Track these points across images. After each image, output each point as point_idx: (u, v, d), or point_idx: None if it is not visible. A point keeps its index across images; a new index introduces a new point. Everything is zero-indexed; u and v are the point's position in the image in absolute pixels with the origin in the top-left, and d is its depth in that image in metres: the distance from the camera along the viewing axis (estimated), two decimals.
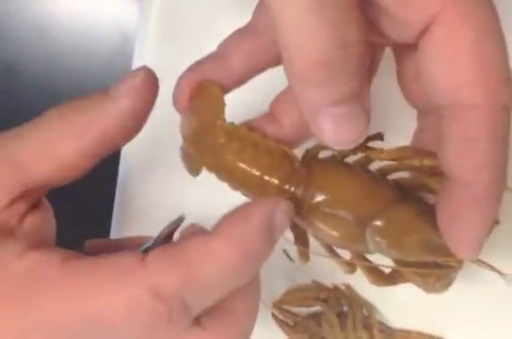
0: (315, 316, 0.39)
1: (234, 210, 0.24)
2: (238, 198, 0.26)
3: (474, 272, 0.38)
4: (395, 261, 0.27)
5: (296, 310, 0.40)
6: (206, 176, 0.27)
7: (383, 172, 0.26)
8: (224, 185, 0.27)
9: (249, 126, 0.26)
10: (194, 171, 0.27)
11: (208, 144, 0.26)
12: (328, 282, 0.39)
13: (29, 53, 0.48)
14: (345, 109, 0.23)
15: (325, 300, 0.39)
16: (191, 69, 0.27)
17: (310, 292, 0.39)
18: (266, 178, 0.25)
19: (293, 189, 0.25)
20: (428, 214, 0.25)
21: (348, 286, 0.39)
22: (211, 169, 0.26)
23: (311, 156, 0.27)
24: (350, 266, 0.27)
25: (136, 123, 0.25)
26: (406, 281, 0.28)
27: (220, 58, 0.26)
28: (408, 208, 0.25)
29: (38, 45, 0.48)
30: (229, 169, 0.26)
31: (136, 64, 0.42)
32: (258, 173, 0.25)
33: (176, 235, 0.25)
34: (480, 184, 0.23)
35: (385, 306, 0.39)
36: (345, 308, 0.39)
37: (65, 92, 0.47)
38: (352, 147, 0.24)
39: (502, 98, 0.22)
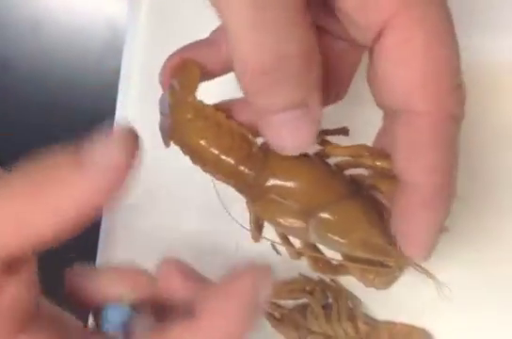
0: (302, 309, 0.39)
1: (216, 289, 0.22)
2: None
3: (459, 264, 0.39)
4: (342, 254, 0.28)
5: (282, 302, 0.40)
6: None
7: (340, 167, 0.27)
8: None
9: (217, 107, 0.27)
10: (166, 143, 0.28)
11: (177, 119, 0.27)
12: (314, 275, 0.39)
13: (23, 49, 0.48)
14: (291, 116, 0.23)
15: (311, 293, 0.39)
16: (181, 50, 0.27)
17: (296, 285, 0.39)
18: (223, 157, 0.26)
19: (246, 171, 0.26)
20: (376, 213, 0.26)
21: (334, 279, 0.39)
22: (176, 142, 0.27)
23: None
24: (298, 254, 0.28)
25: (115, 191, 0.21)
26: (347, 273, 0.28)
27: (211, 44, 0.27)
28: (355, 205, 0.26)
29: (31, 41, 0.48)
30: (191, 145, 0.27)
31: (127, 59, 0.42)
32: (216, 152, 0.26)
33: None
34: (428, 187, 0.23)
35: (370, 298, 0.39)
36: (331, 300, 0.39)
37: (59, 87, 0.48)
38: (298, 153, 0.25)
39: (448, 106, 0.22)
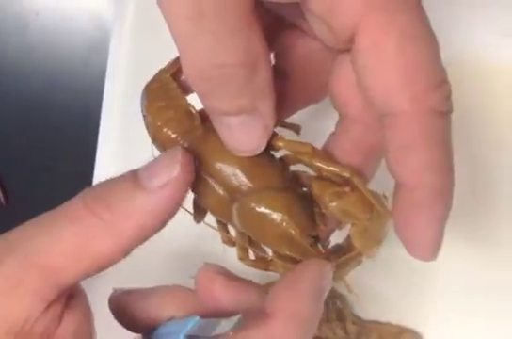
0: None
1: (283, 279, 0.24)
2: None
3: (449, 266, 0.39)
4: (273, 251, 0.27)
5: None
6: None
7: (285, 161, 0.27)
8: None
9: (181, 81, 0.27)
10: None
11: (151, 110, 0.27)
12: None
13: (9, 47, 0.48)
14: (238, 121, 0.23)
15: None
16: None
17: None
18: (164, 130, 0.26)
19: (185, 145, 0.26)
20: (305, 212, 0.25)
21: None
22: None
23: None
24: (230, 242, 0.28)
25: (173, 210, 0.23)
26: (272, 269, 0.28)
27: None
28: (281, 198, 0.25)
29: (17, 40, 0.48)
30: (148, 117, 0.27)
31: (113, 57, 0.42)
32: (159, 124, 0.27)
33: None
34: (422, 188, 0.23)
35: (359, 299, 0.39)
36: None
37: (44, 85, 0.48)
38: (248, 155, 0.25)
39: (431, 103, 0.22)
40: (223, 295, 0.24)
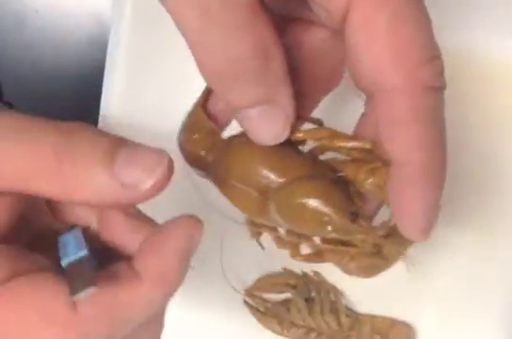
0: (285, 302, 0.40)
1: (152, 239, 0.23)
2: None
3: (442, 258, 0.40)
4: (321, 239, 0.27)
5: (266, 296, 0.41)
6: None
7: (314, 152, 0.27)
8: None
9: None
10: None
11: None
12: (297, 270, 0.40)
13: (7, 42, 0.48)
14: (259, 112, 0.24)
15: (294, 287, 0.40)
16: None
17: (280, 279, 0.40)
18: (195, 150, 0.28)
19: (210, 159, 0.27)
20: (341, 194, 0.25)
21: (317, 273, 0.40)
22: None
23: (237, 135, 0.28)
24: (283, 244, 0.28)
25: (121, 207, 0.24)
26: (325, 259, 0.28)
27: None
28: (313, 184, 0.25)
29: (15, 35, 0.48)
30: (186, 147, 0.29)
31: (112, 54, 0.42)
32: (192, 147, 0.28)
33: None
34: (412, 164, 0.23)
35: (352, 292, 0.40)
36: (314, 294, 0.40)
37: (43, 81, 0.48)
38: (274, 144, 0.25)
39: (422, 78, 0.22)
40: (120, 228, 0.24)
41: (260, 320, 0.40)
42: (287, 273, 0.40)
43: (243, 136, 0.27)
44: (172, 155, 0.23)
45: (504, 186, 0.40)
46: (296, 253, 0.28)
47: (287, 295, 0.40)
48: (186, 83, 0.40)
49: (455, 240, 0.39)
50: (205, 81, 0.24)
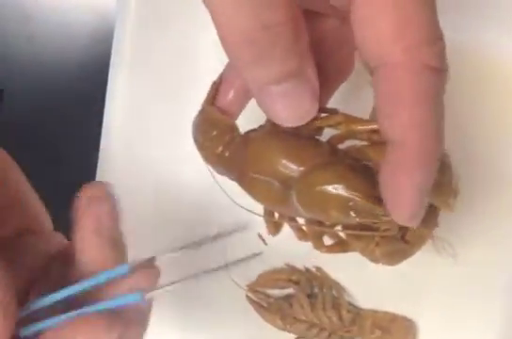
0: (288, 298, 0.40)
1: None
2: None
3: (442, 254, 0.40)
4: (343, 226, 0.27)
5: (269, 292, 0.41)
6: None
7: (332, 141, 0.27)
8: None
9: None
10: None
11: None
12: (300, 265, 0.40)
13: (12, 37, 0.48)
14: (287, 87, 0.23)
15: (297, 282, 0.40)
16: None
17: (282, 274, 0.40)
18: (211, 148, 0.28)
19: (227, 154, 0.27)
20: (362, 178, 0.25)
21: (319, 269, 0.40)
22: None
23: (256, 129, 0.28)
24: (305, 236, 0.28)
25: None
26: (350, 248, 0.28)
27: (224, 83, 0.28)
28: (333, 170, 0.25)
29: (21, 30, 0.48)
30: (202, 149, 0.29)
31: (117, 47, 0.42)
32: (207, 145, 0.28)
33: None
34: (410, 144, 0.22)
35: (354, 287, 0.40)
36: (316, 289, 0.40)
37: (48, 75, 0.48)
38: (303, 123, 0.24)
39: (423, 56, 0.21)
40: None
41: (262, 315, 0.40)
42: (290, 269, 0.40)
43: (260, 129, 0.27)
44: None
45: (505, 186, 0.40)
46: (319, 245, 0.28)
47: (289, 290, 0.41)
48: (192, 76, 0.40)
49: (462, 237, 0.39)
50: (230, 57, 0.22)
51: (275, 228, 0.29)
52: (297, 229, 0.28)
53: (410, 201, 0.23)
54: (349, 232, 0.26)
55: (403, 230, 0.26)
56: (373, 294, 0.40)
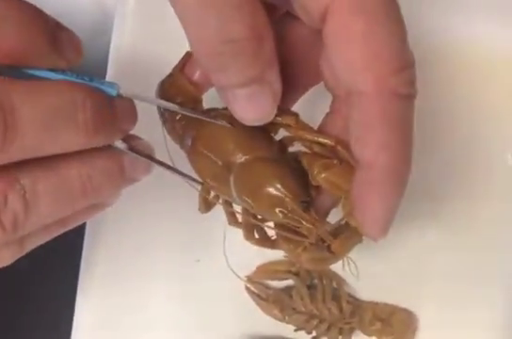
0: (287, 289, 0.40)
1: None
2: None
3: (438, 248, 0.40)
4: (275, 223, 0.28)
5: (269, 283, 0.41)
6: None
7: (284, 142, 0.28)
8: None
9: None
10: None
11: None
12: None
13: None
14: (248, 91, 0.24)
15: (296, 274, 0.40)
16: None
17: (282, 266, 0.40)
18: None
19: (183, 123, 0.28)
20: (298, 180, 0.26)
21: None
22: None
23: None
24: (237, 222, 0.29)
25: None
26: (278, 247, 0.28)
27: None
28: (274, 167, 0.26)
29: None
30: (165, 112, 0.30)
31: (116, 40, 0.42)
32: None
33: None
34: (376, 166, 0.24)
35: (354, 279, 0.40)
36: (316, 281, 0.40)
37: None
38: (263, 123, 0.26)
39: (392, 85, 0.23)
40: None
41: (261, 307, 0.40)
42: (289, 260, 0.40)
43: (221, 111, 0.28)
44: None
45: (504, 186, 0.40)
46: (249, 236, 0.29)
47: (289, 282, 0.41)
48: None
49: (460, 230, 0.39)
50: (198, 61, 0.24)
51: (206, 205, 0.29)
52: (230, 213, 0.29)
53: (381, 219, 0.25)
54: (282, 233, 0.27)
55: (323, 240, 0.27)
56: (372, 285, 0.40)
